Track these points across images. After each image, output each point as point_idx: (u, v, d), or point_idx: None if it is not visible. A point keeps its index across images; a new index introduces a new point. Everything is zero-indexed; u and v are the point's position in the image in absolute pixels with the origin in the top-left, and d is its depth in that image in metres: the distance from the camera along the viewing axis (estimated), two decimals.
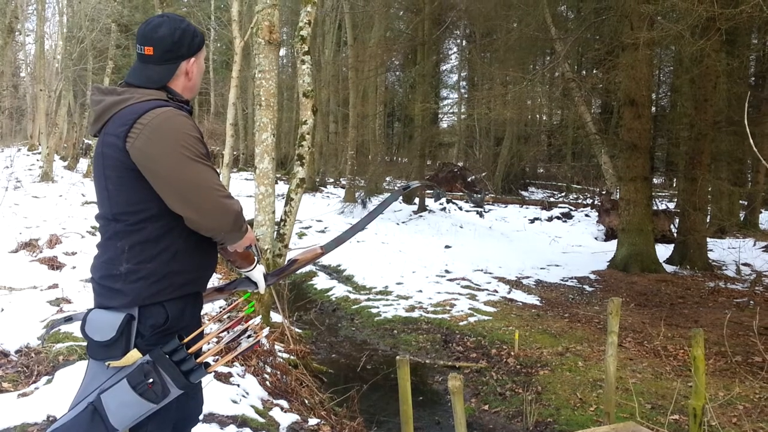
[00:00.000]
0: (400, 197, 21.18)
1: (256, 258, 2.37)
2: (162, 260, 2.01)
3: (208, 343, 2.10)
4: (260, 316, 1.86)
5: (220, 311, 1.90)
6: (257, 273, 2.39)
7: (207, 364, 2.03)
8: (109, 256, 2.04)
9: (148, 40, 2.08)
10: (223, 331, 2.07)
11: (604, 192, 18.74)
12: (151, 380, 1.93)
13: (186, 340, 2.02)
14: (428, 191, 21.09)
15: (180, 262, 2.05)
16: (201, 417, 2.45)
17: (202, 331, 2.05)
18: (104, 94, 2.05)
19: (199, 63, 2.21)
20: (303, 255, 2.53)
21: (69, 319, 2.36)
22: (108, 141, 1.98)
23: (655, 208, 14.69)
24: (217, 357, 2.12)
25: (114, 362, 1.97)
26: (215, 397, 4.06)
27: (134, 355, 1.96)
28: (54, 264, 7.99)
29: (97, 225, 2.13)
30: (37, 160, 25.19)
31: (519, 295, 9.78)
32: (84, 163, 26.34)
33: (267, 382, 4.90)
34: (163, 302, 2.02)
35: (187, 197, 1.94)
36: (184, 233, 2.05)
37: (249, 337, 2.07)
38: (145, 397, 1.93)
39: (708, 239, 12.91)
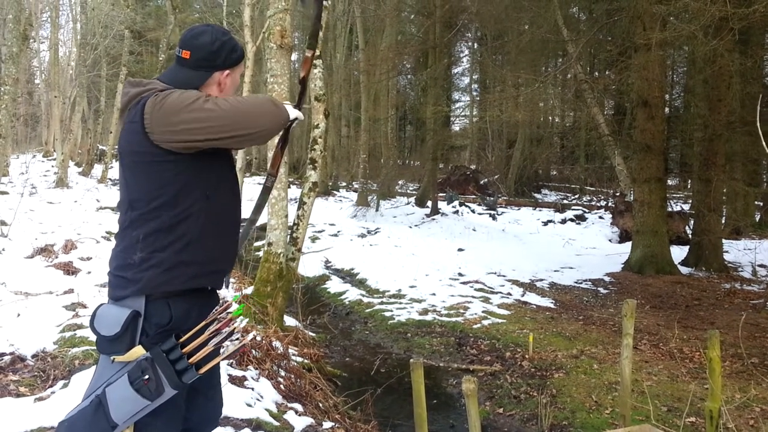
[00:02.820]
0: (413, 201, 21.21)
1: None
2: (174, 249, 2.04)
3: (200, 345, 2.09)
4: (246, 319, 1.85)
5: (215, 312, 1.91)
6: (290, 110, 2.40)
7: (199, 366, 2.02)
8: (125, 245, 2.07)
9: (187, 45, 2.15)
10: (212, 333, 2.06)
11: (617, 194, 18.63)
12: (147, 377, 1.95)
13: (182, 339, 2.02)
14: (440, 194, 21.07)
15: (192, 252, 2.07)
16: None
17: (198, 331, 2.04)
18: (132, 86, 2.11)
19: (233, 77, 2.25)
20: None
21: None
22: (127, 128, 2.04)
23: (669, 209, 14.59)
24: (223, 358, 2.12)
25: (118, 357, 2.00)
26: (230, 400, 4.07)
27: (138, 351, 1.99)
28: (69, 269, 8.06)
29: (116, 221, 2.17)
30: (52, 166, 25.45)
31: (533, 298, 9.74)
32: (98, 169, 26.53)
33: (281, 386, 4.91)
34: (169, 300, 2.04)
35: (230, 127, 1.97)
36: (199, 224, 2.07)
37: (236, 340, 2.05)
38: (140, 393, 1.96)
39: (723, 240, 12.80)
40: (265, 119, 2.04)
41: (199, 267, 2.10)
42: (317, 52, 7.35)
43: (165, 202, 2.02)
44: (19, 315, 5.61)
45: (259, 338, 5.54)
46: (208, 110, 1.94)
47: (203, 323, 2.03)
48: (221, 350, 2.03)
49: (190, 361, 1.99)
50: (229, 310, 2.07)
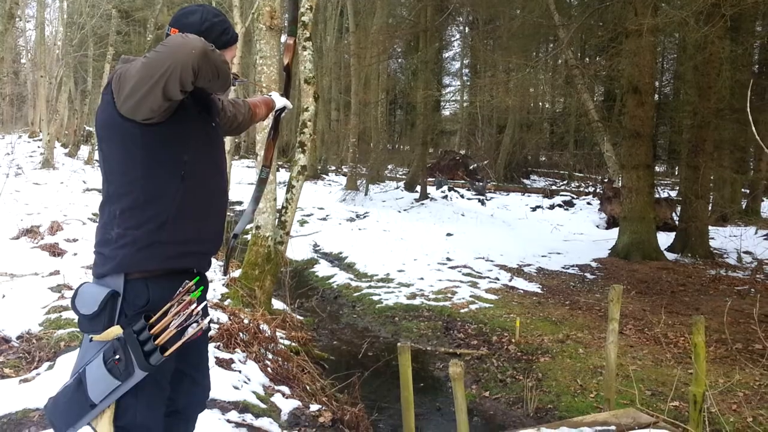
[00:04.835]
0: (403, 185, 21.19)
1: (270, 95, 2.87)
2: (148, 228, 2.03)
3: (166, 327, 2.07)
4: (204, 303, 1.82)
5: (178, 294, 1.89)
6: (277, 99, 2.84)
7: (164, 348, 2.00)
8: (104, 221, 2.08)
9: (176, 23, 2.14)
10: (175, 315, 2.04)
11: (606, 180, 18.70)
12: (117, 357, 1.96)
13: (152, 320, 2.01)
14: (430, 179, 21.06)
15: (168, 232, 2.06)
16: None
17: (165, 312, 2.03)
18: (121, 63, 2.07)
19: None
20: None
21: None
22: (102, 101, 2.03)
23: (657, 196, 14.66)
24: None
25: (96, 336, 2.00)
26: (217, 382, 4.05)
27: (114, 331, 1.98)
28: (55, 251, 8.01)
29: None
30: (38, 147, 25.19)
31: (520, 283, 9.78)
32: (85, 150, 26.33)
33: (268, 369, 4.91)
34: (148, 280, 2.04)
35: (153, 71, 1.82)
36: (175, 204, 2.06)
37: (196, 323, 2.03)
38: (111, 373, 1.96)
39: (709, 227, 12.88)
40: (178, 51, 1.83)
41: (176, 247, 2.09)
42: (308, 34, 7.29)
43: (136, 177, 2.01)
44: (4, 296, 5.58)
45: (246, 321, 5.54)
46: (139, 64, 1.85)
47: (168, 305, 2.01)
48: (184, 333, 2.02)
49: (155, 343, 1.98)
50: (192, 292, 2.06)
